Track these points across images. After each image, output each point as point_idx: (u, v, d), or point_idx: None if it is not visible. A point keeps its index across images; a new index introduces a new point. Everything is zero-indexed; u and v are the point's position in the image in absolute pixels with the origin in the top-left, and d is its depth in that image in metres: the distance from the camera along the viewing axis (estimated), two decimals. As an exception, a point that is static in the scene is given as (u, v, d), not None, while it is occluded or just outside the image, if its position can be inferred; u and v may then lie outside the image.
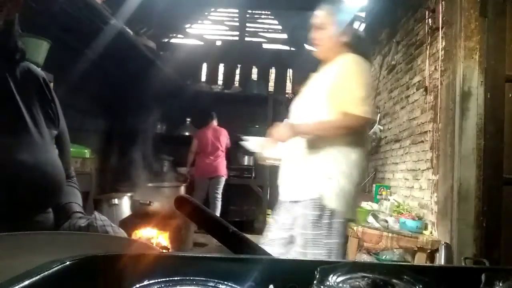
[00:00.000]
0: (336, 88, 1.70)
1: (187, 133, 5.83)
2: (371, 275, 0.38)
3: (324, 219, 1.66)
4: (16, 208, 0.75)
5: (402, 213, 3.00)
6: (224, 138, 5.13)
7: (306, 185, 1.71)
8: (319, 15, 1.85)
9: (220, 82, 6.48)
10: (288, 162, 1.83)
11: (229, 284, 0.37)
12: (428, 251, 2.57)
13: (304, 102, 1.86)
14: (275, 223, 1.84)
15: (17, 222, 0.66)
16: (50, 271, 0.34)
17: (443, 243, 2.38)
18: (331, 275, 0.37)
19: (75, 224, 0.86)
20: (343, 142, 1.71)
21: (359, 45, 1.91)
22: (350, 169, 1.71)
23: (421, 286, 0.37)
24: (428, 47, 3.01)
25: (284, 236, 1.78)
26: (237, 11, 6.54)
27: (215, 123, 5.17)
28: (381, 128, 4.22)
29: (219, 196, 5.05)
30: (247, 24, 6.66)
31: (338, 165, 1.70)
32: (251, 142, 1.91)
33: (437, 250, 2.45)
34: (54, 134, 0.89)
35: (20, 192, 0.76)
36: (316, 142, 1.72)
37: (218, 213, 4.79)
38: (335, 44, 1.82)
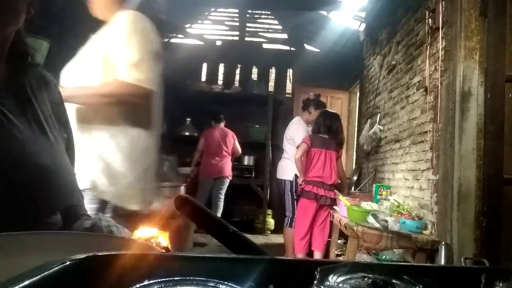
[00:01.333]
0: (110, 51, 1.48)
1: (187, 133, 5.84)
2: (371, 275, 0.38)
3: (101, 213, 1.38)
4: (34, 212, 0.76)
5: (402, 213, 3.00)
6: (231, 140, 5.14)
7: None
8: None
9: (220, 82, 6.48)
10: None
11: (229, 284, 0.37)
12: (428, 251, 2.57)
13: (77, 67, 1.59)
14: None
15: (32, 225, 0.66)
16: (50, 271, 0.34)
17: (443, 243, 2.38)
18: (331, 275, 0.37)
19: (81, 225, 0.86)
20: (119, 117, 1.47)
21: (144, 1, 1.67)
22: (130, 151, 1.46)
23: (421, 286, 0.37)
24: (428, 47, 3.01)
25: None
26: (237, 11, 6.55)
27: (222, 124, 5.18)
28: (381, 128, 4.22)
29: (222, 197, 5.06)
30: (247, 24, 6.66)
31: (113, 145, 1.45)
32: None
33: (437, 250, 2.45)
34: (65, 138, 0.89)
35: (40, 197, 0.76)
36: (86, 115, 1.46)
37: (219, 214, 4.80)
38: None
